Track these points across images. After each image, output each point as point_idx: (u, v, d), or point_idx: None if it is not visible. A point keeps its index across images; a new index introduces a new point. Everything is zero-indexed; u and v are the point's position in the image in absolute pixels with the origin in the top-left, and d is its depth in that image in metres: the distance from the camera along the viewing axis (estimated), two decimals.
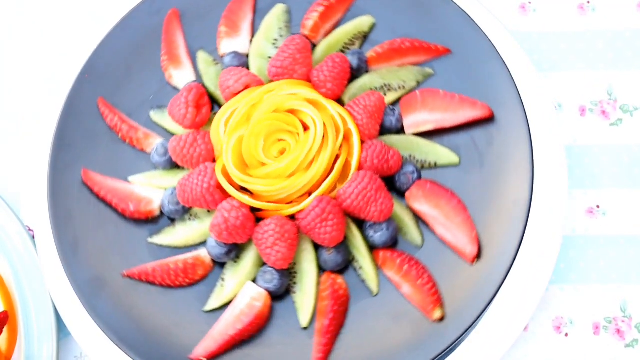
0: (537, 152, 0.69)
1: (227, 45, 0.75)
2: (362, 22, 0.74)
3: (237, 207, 0.65)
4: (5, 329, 0.71)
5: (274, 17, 0.75)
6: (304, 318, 0.66)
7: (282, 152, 0.67)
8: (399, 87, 0.72)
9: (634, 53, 0.80)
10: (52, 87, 0.84)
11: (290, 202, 0.67)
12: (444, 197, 0.67)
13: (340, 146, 0.67)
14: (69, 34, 0.86)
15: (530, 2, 0.83)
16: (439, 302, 0.64)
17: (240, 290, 0.66)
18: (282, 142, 0.67)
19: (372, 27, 0.75)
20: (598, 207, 0.75)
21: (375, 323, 0.65)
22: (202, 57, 0.76)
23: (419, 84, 0.72)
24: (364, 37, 0.74)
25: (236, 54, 0.74)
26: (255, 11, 0.76)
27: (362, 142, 0.67)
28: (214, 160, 0.69)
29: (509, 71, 0.70)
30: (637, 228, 0.74)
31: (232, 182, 0.67)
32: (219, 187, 0.66)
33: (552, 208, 0.70)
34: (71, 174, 0.72)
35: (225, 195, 0.66)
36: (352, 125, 0.67)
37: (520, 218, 0.66)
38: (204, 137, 0.69)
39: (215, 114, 0.71)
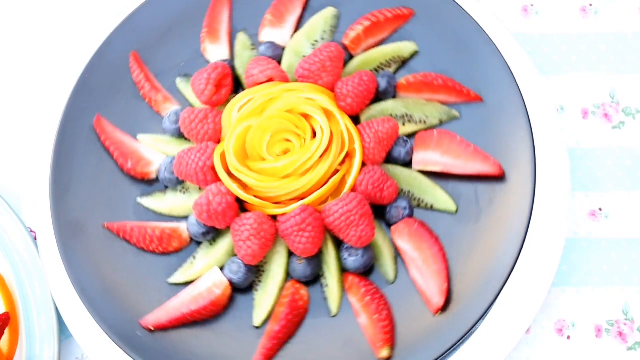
0: (539, 155, 0.69)
1: (268, 34, 0.75)
2: (403, 47, 0.73)
3: (223, 193, 0.65)
4: (6, 331, 0.71)
5: (322, 19, 0.75)
6: (258, 317, 0.66)
7: (285, 152, 0.67)
8: (420, 121, 0.71)
9: (636, 56, 0.80)
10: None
11: (278, 203, 0.67)
12: (427, 241, 0.66)
13: (342, 162, 0.67)
14: None
15: (532, 5, 0.82)
16: (389, 342, 0.63)
17: (206, 273, 0.67)
18: (288, 142, 0.67)
19: (413, 55, 0.74)
20: (600, 209, 0.75)
21: (324, 343, 0.65)
22: (241, 38, 0.76)
23: (441, 123, 0.71)
24: (402, 62, 0.74)
25: (273, 44, 0.74)
26: (305, 8, 0.76)
27: (364, 164, 0.67)
28: (219, 142, 0.70)
29: (533, 136, 0.68)
30: (639, 231, 0.74)
31: (227, 168, 0.67)
32: (213, 168, 0.67)
33: (554, 211, 0.69)
34: (84, 118, 0.74)
35: (217, 178, 0.67)
36: (358, 146, 0.67)
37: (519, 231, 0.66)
38: (215, 117, 0.69)
39: (234, 97, 0.71)
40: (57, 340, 0.71)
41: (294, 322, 0.65)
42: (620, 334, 0.71)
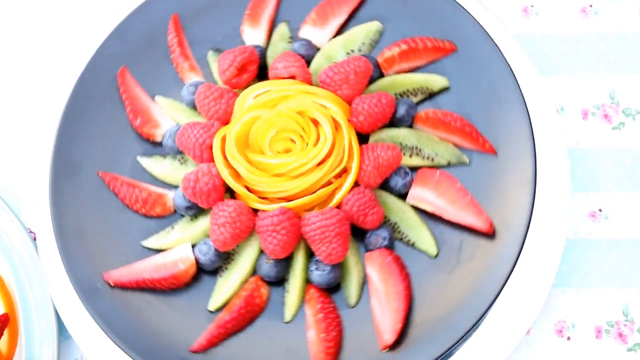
0: (539, 155, 0.68)
1: (307, 32, 0.75)
2: (434, 80, 0.72)
3: (213, 174, 0.66)
4: (5, 332, 0.71)
5: (364, 30, 0.74)
6: (214, 303, 0.67)
7: (285, 151, 0.67)
8: (428, 158, 0.70)
9: (636, 56, 0.79)
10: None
11: (264, 198, 0.67)
12: (396, 277, 0.65)
13: (339, 175, 0.67)
14: None
15: (532, 6, 0.82)
16: None
17: (177, 246, 0.68)
18: (291, 142, 0.67)
19: (442, 90, 0.72)
20: (600, 210, 0.74)
21: (268, 346, 0.66)
22: (281, 29, 0.76)
23: (449, 164, 0.70)
24: (430, 94, 0.72)
25: (308, 43, 0.74)
26: (351, 15, 0.76)
27: (357, 184, 0.67)
28: (227, 123, 0.70)
29: (534, 196, 0.67)
30: (639, 231, 0.73)
31: (224, 152, 0.67)
32: (210, 148, 0.67)
33: (554, 211, 0.69)
34: (110, 65, 0.75)
35: (212, 158, 0.67)
36: (355, 164, 0.66)
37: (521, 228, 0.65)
38: (230, 98, 0.70)
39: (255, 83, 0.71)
40: (56, 341, 0.71)
41: (245, 316, 0.66)
42: (620, 335, 0.71)
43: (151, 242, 0.70)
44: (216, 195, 0.66)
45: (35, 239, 0.75)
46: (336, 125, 0.67)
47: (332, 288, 0.67)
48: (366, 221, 0.66)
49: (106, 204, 0.71)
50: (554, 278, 0.68)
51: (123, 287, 0.67)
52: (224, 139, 0.68)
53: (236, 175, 0.67)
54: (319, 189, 0.66)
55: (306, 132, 0.67)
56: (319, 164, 0.66)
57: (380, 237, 0.67)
